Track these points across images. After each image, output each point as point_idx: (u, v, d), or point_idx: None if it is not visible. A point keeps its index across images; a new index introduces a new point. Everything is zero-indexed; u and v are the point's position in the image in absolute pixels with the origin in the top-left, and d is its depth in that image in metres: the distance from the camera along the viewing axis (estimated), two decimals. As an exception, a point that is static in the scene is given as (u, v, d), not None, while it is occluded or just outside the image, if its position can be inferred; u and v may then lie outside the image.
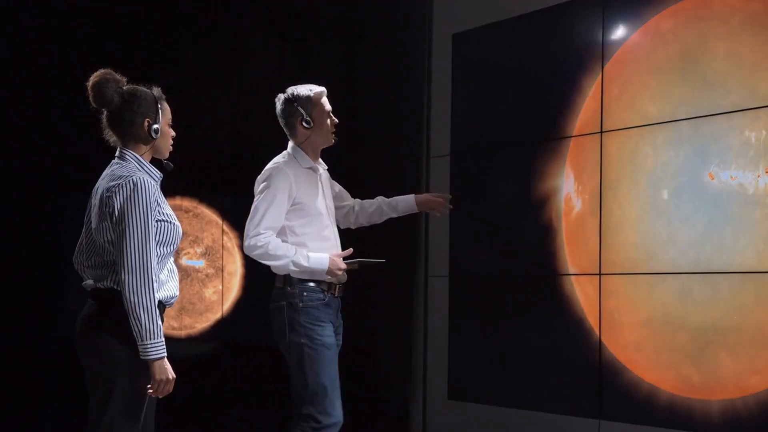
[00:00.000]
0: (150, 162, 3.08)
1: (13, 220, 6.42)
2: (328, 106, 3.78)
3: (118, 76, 3.07)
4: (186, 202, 6.31)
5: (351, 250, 3.74)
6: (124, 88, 3.07)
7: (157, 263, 2.96)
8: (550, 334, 4.97)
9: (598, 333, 4.73)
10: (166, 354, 2.91)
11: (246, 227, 3.64)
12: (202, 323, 6.57)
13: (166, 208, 3.04)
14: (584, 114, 4.84)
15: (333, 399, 3.62)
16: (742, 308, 4.13)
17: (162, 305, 3.03)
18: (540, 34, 5.12)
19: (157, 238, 2.95)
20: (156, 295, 2.90)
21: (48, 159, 6.37)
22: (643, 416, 4.49)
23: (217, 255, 6.65)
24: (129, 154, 3.04)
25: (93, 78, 3.05)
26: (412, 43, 5.84)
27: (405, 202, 3.99)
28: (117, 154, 3.06)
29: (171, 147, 3.15)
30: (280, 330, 3.68)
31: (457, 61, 5.59)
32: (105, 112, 3.07)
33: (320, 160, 3.85)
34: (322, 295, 3.66)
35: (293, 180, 3.64)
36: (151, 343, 2.86)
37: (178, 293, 3.12)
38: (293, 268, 3.60)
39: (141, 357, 2.87)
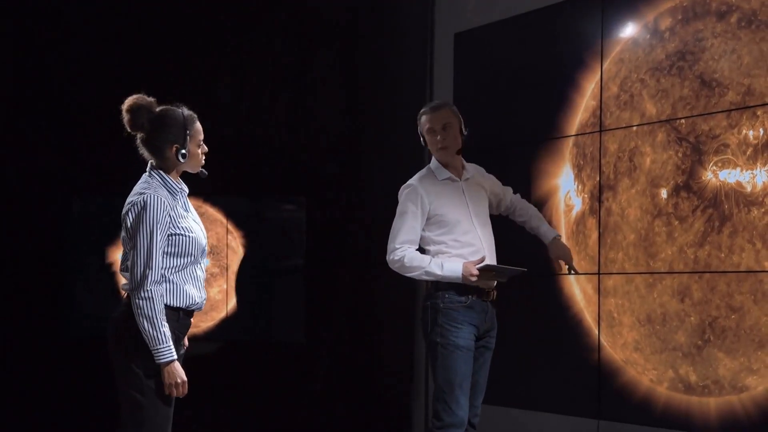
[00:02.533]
0: (181, 175, 3.30)
1: (19, 224, 6.46)
2: (427, 126, 3.96)
3: (148, 99, 3.24)
4: (190, 202, 6.33)
5: (484, 257, 3.86)
6: (156, 110, 3.24)
7: (178, 272, 3.20)
8: (549, 334, 4.96)
9: (597, 332, 4.72)
10: (174, 357, 3.13)
11: (388, 243, 3.90)
12: (206, 322, 6.59)
13: (184, 221, 3.24)
14: (584, 113, 4.82)
15: (458, 397, 3.78)
16: (740, 308, 4.11)
17: (182, 310, 3.24)
18: (540, 33, 5.11)
19: (172, 250, 3.18)
20: (157, 305, 3.11)
21: (54, 163, 6.41)
22: (641, 416, 4.47)
23: (222, 254, 6.67)
24: (155, 172, 3.25)
25: (126, 103, 3.22)
26: (413, 42, 5.84)
27: (544, 237, 4.13)
28: (147, 170, 3.28)
29: (203, 161, 3.35)
30: (423, 328, 3.91)
31: (459, 60, 5.59)
32: (138, 135, 3.25)
33: (468, 168, 4.03)
34: (463, 298, 3.82)
35: (424, 195, 3.87)
36: (158, 349, 3.10)
37: (201, 299, 3.31)
38: (427, 277, 3.84)
39: (155, 361, 3.11)
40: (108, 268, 6.58)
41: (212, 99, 6.26)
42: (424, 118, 3.97)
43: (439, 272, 3.78)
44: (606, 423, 4.64)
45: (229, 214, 6.65)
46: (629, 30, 4.63)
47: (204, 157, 3.36)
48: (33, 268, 6.47)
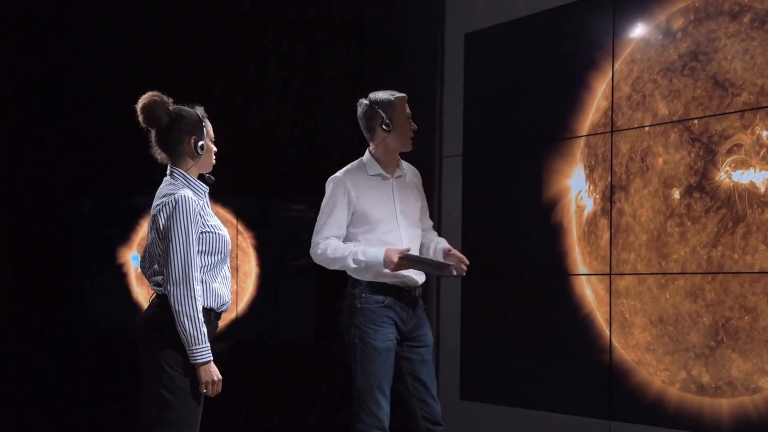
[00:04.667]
0: (197, 177, 3.31)
1: (28, 223, 6.47)
2: (408, 111, 3.94)
3: (165, 98, 3.25)
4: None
5: (409, 248, 3.81)
6: (171, 108, 3.25)
7: (208, 271, 3.20)
8: (560, 335, 4.95)
9: (608, 333, 4.71)
10: (211, 358, 3.15)
11: (312, 237, 3.84)
12: (216, 323, 6.59)
13: (212, 219, 3.25)
14: (595, 113, 4.82)
15: (379, 400, 3.73)
16: (753, 309, 4.10)
17: (213, 312, 3.24)
18: (551, 34, 5.10)
19: (202, 249, 3.18)
20: (198, 304, 3.11)
21: (61, 162, 6.42)
22: (653, 417, 4.46)
23: (232, 255, 6.68)
24: (177, 171, 3.25)
25: (142, 100, 3.22)
26: (424, 43, 5.83)
27: (437, 250, 4.01)
28: (167, 172, 3.28)
29: (214, 161, 3.36)
30: (342, 329, 3.86)
31: (470, 60, 5.58)
32: (154, 132, 3.25)
33: (403, 166, 3.97)
34: (381, 297, 3.78)
35: (352, 189, 3.81)
36: (196, 348, 3.11)
37: (229, 299, 3.32)
38: (353, 265, 3.75)
39: (190, 361, 3.11)
40: (118, 268, 6.59)
41: (222, 100, 6.26)
42: (404, 104, 3.91)
43: (362, 258, 3.71)
44: (617, 424, 4.63)
45: (239, 215, 6.65)
46: (641, 30, 4.62)
47: (215, 158, 3.37)
48: (42, 267, 6.49)
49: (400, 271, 3.74)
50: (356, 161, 3.92)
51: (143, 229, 6.47)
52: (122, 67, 6.18)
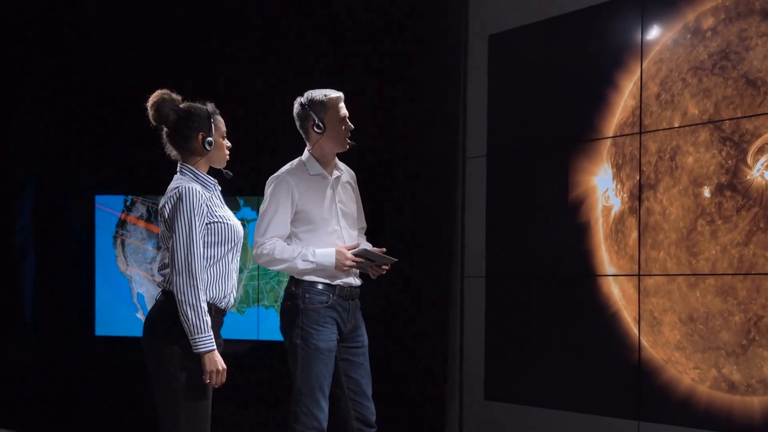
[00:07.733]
0: (208, 171, 3.34)
1: (49, 221, 6.48)
2: (343, 112, 3.89)
3: (174, 95, 3.30)
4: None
5: (358, 243, 3.83)
6: (180, 105, 3.30)
7: (214, 264, 3.21)
8: (588, 334, 4.95)
9: (636, 332, 4.71)
10: (214, 347, 3.14)
11: (254, 237, 3.80)
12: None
13: (221, 210, 3.27)
14: (623, 113, 4.82)
15: (319, 401, 3.73)
16: (785, 307, 4.10)
17: (215, 306, 3.24)
18: (577, 34, 5.11)
19: (210, 240, 3.20)
20: (201, 293, 3.12)
21: (83, 162, 6.44)
22: (683, 417, 4.45)
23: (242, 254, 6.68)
24: (186, 168, 3.29)
25: (151, 98, 3.27)
26: (448, 44, 5.84)
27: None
28: (177, 169, 3.32)
29: (228, 157, 3.38)
30: (283, 329, 3.85)
31: (494, 61, 5.59)
32: (164, 129, 3.31)
33: (340, 166, 3.96)
34: (325, 298, 3.78)
35: (295, 188, 3.78)
36: (199, 338, 3.11)
37: (232, 294, 3.30)
38: (301, 267, 3.73)
39: (193, 350, 3.12)
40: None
41: (240, 100, 6.27)
42: (339, 104, 3.86)
43: (312, 259, 3.71)
44: (647, 424, 4.62)
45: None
46: (670, 30, 4.63)
47: (228, 154, 3.38)
48: (65, 267, 6.50)
49: (342, 271, 3.76)
50: (296, 160, 3.90)
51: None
52: (142, 66, 6.20)
